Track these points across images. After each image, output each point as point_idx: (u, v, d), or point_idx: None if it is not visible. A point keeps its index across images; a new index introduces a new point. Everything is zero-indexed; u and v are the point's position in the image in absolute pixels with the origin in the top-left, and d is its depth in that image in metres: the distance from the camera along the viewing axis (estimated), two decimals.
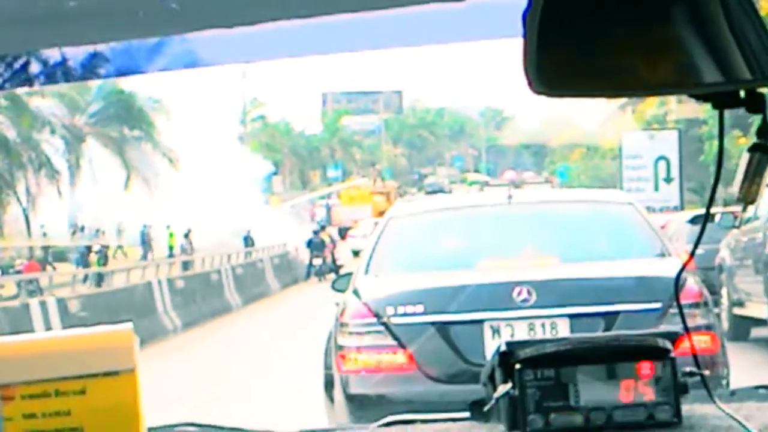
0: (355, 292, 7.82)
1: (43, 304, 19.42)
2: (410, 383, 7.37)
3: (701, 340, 7.38)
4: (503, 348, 2.12)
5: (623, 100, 70.79)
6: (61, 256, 47.55)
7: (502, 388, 2.09)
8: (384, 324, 7.45)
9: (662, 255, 8.09)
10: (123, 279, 27.87)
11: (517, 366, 2.09)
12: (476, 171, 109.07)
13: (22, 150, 46.04)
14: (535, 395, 2.07)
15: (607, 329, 7.18)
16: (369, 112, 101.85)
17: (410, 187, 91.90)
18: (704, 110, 41.53)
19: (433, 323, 7.46)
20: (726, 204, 26.86)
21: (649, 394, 2.08)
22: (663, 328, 7.06)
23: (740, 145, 40.22)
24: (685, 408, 2.10)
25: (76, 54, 1.93)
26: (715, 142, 39.79)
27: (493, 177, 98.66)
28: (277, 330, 22.15)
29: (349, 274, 8.71)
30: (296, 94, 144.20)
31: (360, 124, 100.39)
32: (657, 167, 40.05)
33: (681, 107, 49.58)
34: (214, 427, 2.39)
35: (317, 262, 38.89)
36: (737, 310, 16.35)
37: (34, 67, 1.96)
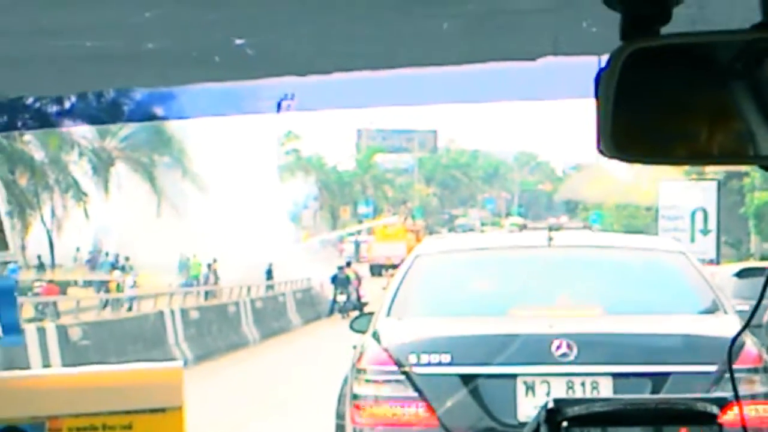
0: (375, 336, 7.15)
1: (60, 327, 18.89)
2: None
3: (760, 410, 6.60)
4: (551, 405, 2.09)
5: None
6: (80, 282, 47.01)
7: None
8: (405, 373, 6.76)
9: (717, 311, 7.32)
10: (147, 305, 27.29)
11: (564, 424, 2.05)
12: (509, 215, 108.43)
13: (50, 171, 45.63)
14: None
15: (654, 392, 6.40)
16: (403, 150, 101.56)
17: (441, 227, 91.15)
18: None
19: (460, 375, 6.69)
20: (765, 257, 26.09)
21: None
22: (717, 393, 6.29)
23: None
24: None
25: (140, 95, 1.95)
26: (757, 194, 39.46)
27: (528, 220, 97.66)
28: (292, 366, 21.51)
29: (371, 314, 7.98)
30: (331, 129, 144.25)
31: (393, 162, 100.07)
32: (694, 218, 39.50)
33: None
34: None
35: (341, 298, 38.20)
36: None
37: (102, 104, 2.01)
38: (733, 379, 2.08)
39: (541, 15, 1.81)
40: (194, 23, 1.69)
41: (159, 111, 2.03)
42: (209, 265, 45.27)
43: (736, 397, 2.19)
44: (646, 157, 1.64)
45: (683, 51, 1.62)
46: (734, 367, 6.45)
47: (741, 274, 19.39)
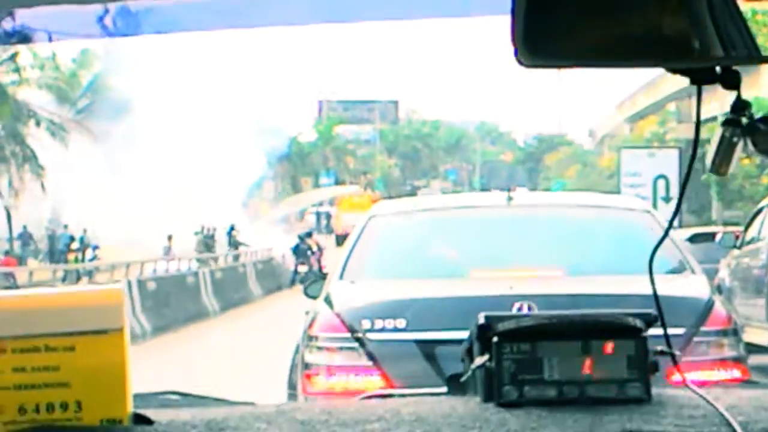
0: (327, 300, 6.72)
1: None
2: None
3: (729, 374, 6.30)
4: (482, 321, 2.17)
5: (622, 117, 70.52)
6: (37, 254, 46.52)
7: (479, 360, 2.15)
8: (358, 340, 6.33)
9: (685, 271, 7.00)
10: (104, 278, 26.93)
11: (495, 339, 2.13)
12: (470, 185, 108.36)
13: (6, 143, 45.03)
14: (510, 368, 2.12)
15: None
16: (364, 121, 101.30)
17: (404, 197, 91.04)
18: (707, 129, 40.74)
19: (416, 341, 6.28)
20: (727, 224, 26.49)
21: (620, 371, 2.14)
22: (687, 357, 6.07)
23: (743, 165, 39.42)
24: (657, 388, 2.16)
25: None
26: None
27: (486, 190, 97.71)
28: (250, 337, 21.29)
29: (325, 278, 7.58)
30: (291, 100, 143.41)
31: (355, 133, 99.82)
32: (656, 186, 39.58)
33: (681, 126, 48.75)
34: (197, 396, 2.56)
35: (302, 269, 37.89)
36: None
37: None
38: (662, 321, 1.96)
39: None
40: None
41: (34, 34, 2.00)
42: (169, 237, 44.86)
43: (660, 314, 2.21)
44: (561, 61, 1.66)
45: None
46: (703, 329, 6.27)
47: (693, 239, 20.37)
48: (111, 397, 1.88)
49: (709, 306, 6.44)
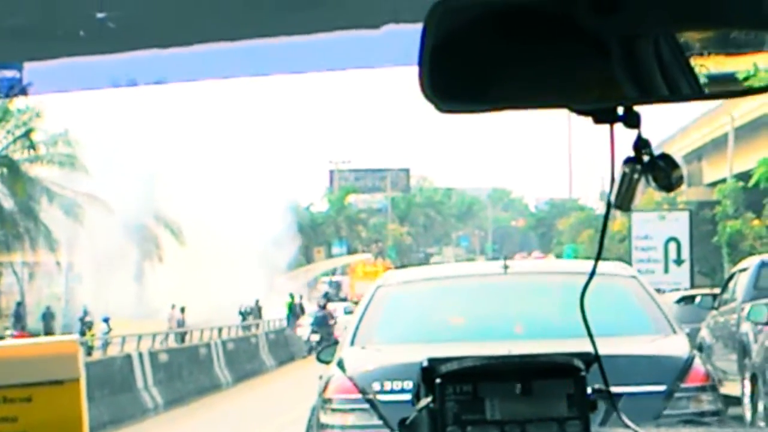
0: (340, 364, 7.21)
1: None
2: None
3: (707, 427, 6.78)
4: (425, 364, 2.22)
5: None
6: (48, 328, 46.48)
7: (423, 402, 2.22)
8: (369, 401, 6.78)
9: (668, 332, 7.54)
10: (116, 350, 26.94)
11: (438, 381, 2.19)
12: (482, 252, 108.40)
13: (19, 219, 45.27)
14: (453, 408, 2.17)
15: (607, 412, 6.34)
16: (376, 190, 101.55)
17: (416, 266, 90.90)
18: (717, 191, 40.84)
19: None
20: (712, 286, 26.96)
21: (560, 410, 2.18)
22: (668, 411, 6.65)
23: (753, 226, 39.47)
24: (596, 427, 2.24)
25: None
26: (729, 223, 39.53)
27: (498, 256, 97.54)
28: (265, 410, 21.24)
29: (336, 344, 8.14)
30: (304, 169, 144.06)
31: (367, 202, 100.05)
32: (667, 249, 39.49)
33: (691, 189, 48.88)
34: None
35: (315, 338, 37.86)
36: None
37: None
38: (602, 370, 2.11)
39: None
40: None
41: (36, 87, 2.05)
42: (182, 309, 44.87)
43: (596, 354, 2.30)
44: (467, 106, 1.72)
45: (498, 6, 1.70)
46: (683, 385, 6.81)
47: (680, 301, 21.59)
48: None
49: (688, 364, 6.91)
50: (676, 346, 7.21)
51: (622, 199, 1.90)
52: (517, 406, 2.17)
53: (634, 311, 7.77)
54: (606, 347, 7.19)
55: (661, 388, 6.69)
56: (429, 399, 2.20)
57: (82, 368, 1.90)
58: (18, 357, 1.89)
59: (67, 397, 1.86)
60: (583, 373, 2.26)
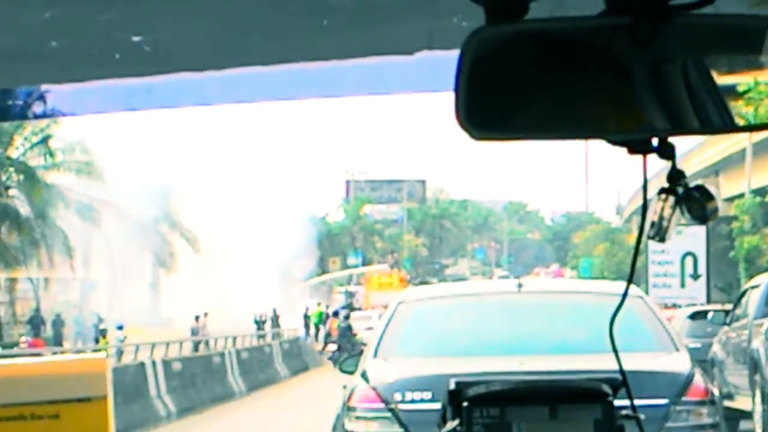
0: (364, 375, 7.75)
1: None
2: None
3: None
4: (452, 387, 2.38)
5: (649, 194, 70.31)
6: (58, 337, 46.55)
7: (450, 425, 2.37)
8: (391, 410, 7.31)
9: (670, 350, 8.07)
10: (130, 358, 26.93)
11: (465, 404, 2.37)
12: (498, 264, 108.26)
13: (36, 225, 45.35)
14: None
15: None
16: (392, 201, 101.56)
17: (431, 277, 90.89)
18: (735, 206, 40.69)
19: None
20: (724, 302, 27.06)
21: None
22: (670, 424, 7.15)
23: None
24: None
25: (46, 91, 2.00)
26: (746, 238, 39.35)
27: (514, 269, 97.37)
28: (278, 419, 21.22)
29: (357, 356, 8.76)
30: (320, 180, 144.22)
31: (382, 213, 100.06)
32: (684, 263, 39.31)
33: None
34: None
35: (331, 347, 37.79)
36: (727, 403, 16.87)
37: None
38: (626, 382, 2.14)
39: (415, 11, 1.93)
40: (92, 22, 1.70)
41: (64, 108, 2.07)
42: (196, 318, 44.87)
43: (623, 375, 2.31)
44: (502, 134, 1.74)
45: (534, 36, 1.72)
46: (683, 399, 7.27)
47: (693, 316, 22.03)
48: None
49: (689, 379, 7.42)
50: (678, 362, 7.76)
51: (657, 230, 1.89)
52: (543, 430, 2.18)
53: (639, 329, 8.23)
54: (612, 363, 7.50)
55: (664, 401, 7.17)
56: (456, 422, 2.23)
57: (110, 386, 1.90)
58: (46, 374, 1.88)
59: (94, 414, 1.86)
60: (610, 398, 2.26)
